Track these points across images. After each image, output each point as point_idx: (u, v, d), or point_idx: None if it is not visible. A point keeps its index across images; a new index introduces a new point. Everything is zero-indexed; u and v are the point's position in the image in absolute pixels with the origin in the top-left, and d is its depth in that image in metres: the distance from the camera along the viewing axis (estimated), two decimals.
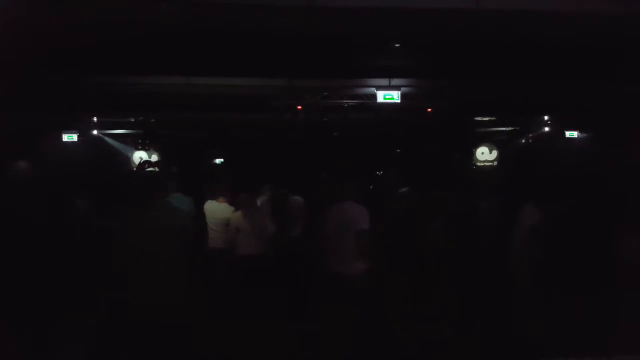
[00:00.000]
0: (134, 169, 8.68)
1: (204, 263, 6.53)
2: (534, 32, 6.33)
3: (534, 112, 11.74)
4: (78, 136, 11.48)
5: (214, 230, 6.64)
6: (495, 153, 13.28)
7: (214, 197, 6.82)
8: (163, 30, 6.24)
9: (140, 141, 12.27)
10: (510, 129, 13.07)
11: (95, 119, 11.65)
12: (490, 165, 13.23)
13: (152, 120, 11.74)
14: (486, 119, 12.52)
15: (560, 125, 11.80)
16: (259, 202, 7.16)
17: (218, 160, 15.06)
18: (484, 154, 13.29)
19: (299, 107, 9.95)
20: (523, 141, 12.83)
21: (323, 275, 4.77)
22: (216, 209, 6.69)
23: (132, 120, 11.81)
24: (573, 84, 8.44)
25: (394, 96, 9.34)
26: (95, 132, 11.88)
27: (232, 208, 6.64)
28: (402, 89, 9.24)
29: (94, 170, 10.59)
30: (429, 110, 10.63)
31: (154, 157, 11.93)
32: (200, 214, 6.77)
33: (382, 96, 9.33)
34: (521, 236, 5.93)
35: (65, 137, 11.39)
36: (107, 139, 12.18)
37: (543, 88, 8.95)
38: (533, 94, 9.59)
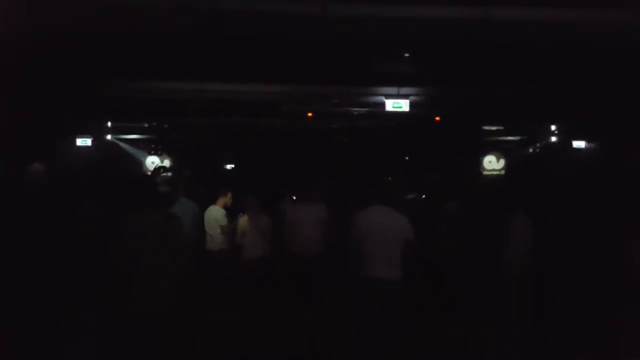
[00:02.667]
0: (149, 173, 8.86)
1: (204, 266, 6.68)
2: (544, 41, 6.40)
3: (542, 120, 11.82)
4: (92, 141, 11.74)
5: (208, 234, 6.79)
6: (502, 162, 13.38)
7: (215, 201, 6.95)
8: (178, 36, 6.42)
9: (153, 146, 12.49)
10: (518, 137, 13.17)
11: (109, 124, 11.91)
12: (497, 174, 13.32)
13: (165, 125, 11.96)
14: (494, 127, 12.63)
15: (569, 134, 11.87)
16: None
17: (229, 166, 15.26)
18: (491, 163, 13.39)
19: (309, 114, 10.13)
20: (531, 150, 12.93)
21: (356, 280, 4.67)
22: (211, 213, 6.83)
23: (146, 125, 12.04)
24: (582, 92, 8.53)
25: (402, 105, 9.47)
26: (109, 136, 12.13)
27: (223, 211, 6.79)
28: (411, 97, 9.37)
29: (107, 173, 10.79)
30: (437, 118, 10.79)
31: (166, 162, 12.17)
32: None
33: (390, 104, 9.47)
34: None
35: (80, 142, 11.65)
36: (120, 143, 12.42)
37: (552, 96, 9.06)
38: (541, 102, 9.70)
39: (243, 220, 6.73)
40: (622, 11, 5.47)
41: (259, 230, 6.58)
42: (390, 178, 10.15)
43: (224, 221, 6.70)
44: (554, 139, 12.21)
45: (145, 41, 6.51)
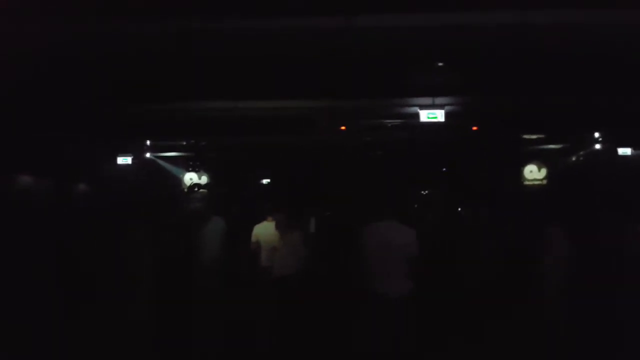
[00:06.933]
0: (185, 190, 9.03)
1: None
2: (585, 47, 6.16)
3: (583, 128, 11.40)
4: (132, 159, 12.09)
5: (267, 250, 6.54)
6: (544, 171, 12.98)
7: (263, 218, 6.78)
8: (211, 56, 6.54)
9: (191, 163, 12.73)
10: (559, 146, 12.75)
11: (148, 142, 12.25)
12: (539, 184, 12.93)
13: (203, 143, 12.17)
14: (534, 136, 12.27)
15: (612, 142, 11.41)
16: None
17: (265, 181, 15.37)
18: (533, 172, 13.01)
19: (342, 127, 10.10)
20: (573, 159, 12.49)
21: (367, 296, 4.62)
22: (268, 229, 6.61)
23: (184, 143, 12.30)
24: (625, 99, 8.21)
25: (437, 115, 9.31)
26: (148, 155, 12.48)
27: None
28: (446, 107, 9.20)
29: (147, 190, 11.06)
30: (474, 128, 10.56)
31: (204, 178, 12.39)
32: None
33: (425, 115, 9.33)
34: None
35: (120, 160, 12.04)
36: (160, 161, 12.74)
37: (593, 103, 8.75)
38: (582, 110, 9.37)
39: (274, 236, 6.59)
40: None
41: (291, 246, 6.42)
42: (427, 192, 9.99)
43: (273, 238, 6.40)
44: (597, 146, 11.75)
45: (181, 62, 6.66)
